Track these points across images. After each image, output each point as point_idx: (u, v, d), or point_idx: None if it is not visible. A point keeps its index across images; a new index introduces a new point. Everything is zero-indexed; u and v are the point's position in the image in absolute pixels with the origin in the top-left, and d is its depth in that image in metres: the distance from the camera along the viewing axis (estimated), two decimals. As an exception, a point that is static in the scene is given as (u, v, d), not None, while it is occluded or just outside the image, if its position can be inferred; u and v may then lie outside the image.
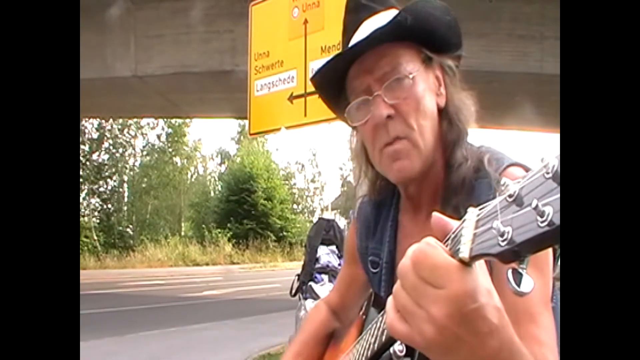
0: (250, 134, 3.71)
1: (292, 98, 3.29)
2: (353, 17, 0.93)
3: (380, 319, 0.75)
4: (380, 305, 0.84)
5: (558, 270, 0.47)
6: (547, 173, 0.45)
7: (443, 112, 0.88)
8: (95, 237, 23.29)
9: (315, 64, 3.22)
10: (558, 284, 0.73)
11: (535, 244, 0.45)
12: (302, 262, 4.49)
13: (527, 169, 0.80)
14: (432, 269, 0.52)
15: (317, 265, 4.20)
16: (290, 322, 4.19)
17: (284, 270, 20.74)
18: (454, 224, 0.55)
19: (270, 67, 3.45)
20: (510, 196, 0.47)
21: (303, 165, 37.01)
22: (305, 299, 4.09)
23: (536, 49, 6.97)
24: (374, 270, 0.98)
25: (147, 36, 8.25)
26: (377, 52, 0.85)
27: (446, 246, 0.54)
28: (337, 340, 1.10)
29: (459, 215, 0.71)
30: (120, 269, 20.51)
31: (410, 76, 0.85)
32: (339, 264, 4.22)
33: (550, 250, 0.76)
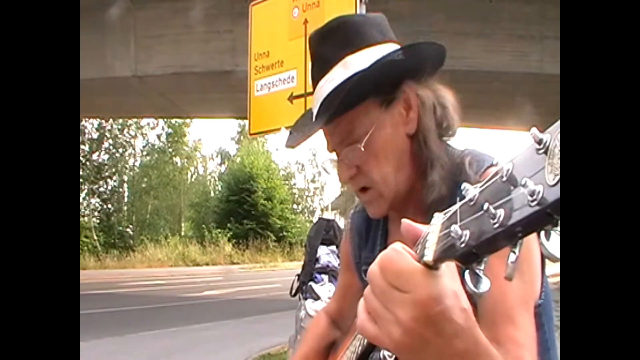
0: (250, 134, 3.71)
1: (292, 98, 3.29)
2: (313, 71, 0.96)
3: None
4: None
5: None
6: (502, 177, 0.46)
7: (414, 137, 0.90)
8: (95, 237, 23.30)
9: (315, 64, 3.22)
10: (557, 279, 0.74)
11: (490, 245, 0.47)
12: (302, 262, 4.49)
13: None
14: (397, 274, 0.54)
15: (317, 265, 4.20)
16: (290, 322, 4.19)
17: (284, 270, 20.74)
18: (423, 229, 0.57)
19: (270, 67, 3.45)
20: (470, 200, 0.49)
21: (303, 165, 37.04)
22: (305, 299, 4.09)
23: (536, 49, 6.98)
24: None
25: (147, 36, 8.26)
26: (332, 122, 0.90)
27: (416, 251, 0.55)
28: (336, 349, 1.11)
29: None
30: (120, 269, 20.52)
31: (367, 136, 0.88)
32: (339, 264, 4.22)
33: (534, 249, 0.77)
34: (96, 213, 25.65)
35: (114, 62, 8.35)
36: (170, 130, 28.68)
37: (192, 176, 32.41)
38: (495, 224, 0.45)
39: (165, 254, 23.33)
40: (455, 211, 0.51)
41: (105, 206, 26.23)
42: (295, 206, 33.96)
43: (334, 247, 4.29)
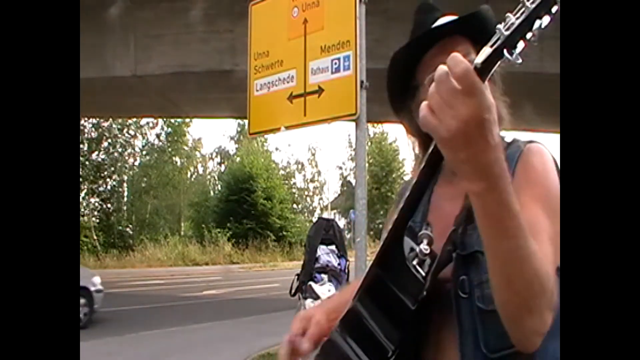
0: (250, 134, 3.71)
1: (291, 98, 3.29)
2: (427, 15, 1.07)
3: None
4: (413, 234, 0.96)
5: None
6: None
7: None
8: (95, 237, 23.27)
9: (315, 64, 3.22)
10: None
11: (526, 24, 0.66)
12: (301, 262, 4.49)
13: (544, 146, 0.96)
14: (470, 82, 0.66)
15: (317, 265, 4.20)
16: (290, 322, 4.19)
17: (283, 269, 20.73)
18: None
19: (269, 67, 3.45)
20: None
21: (303, 165, 37.04)
22: (305, 298, 4.09)
23: (536, 49, 6.96)
24: (411, 237, 1.08)
25: (146, 36, 8.26)
26: (453, 40, 1.00)
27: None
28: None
29: None
30: (119, 268, 20.49)
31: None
32: (339, 264, 4.21)
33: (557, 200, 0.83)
34: (96, 213, 25.62)
35: (114, 61, 8.34)
36: (169, 130, 28.65)
37: (191, 176, 32.40)
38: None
39: (165, 253, 23.31)
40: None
41: (104, 206, 26.20)
42: (294, 206, 33.95)
43: (333, 247, 4.29)
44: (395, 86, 1.09)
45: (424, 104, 0.71)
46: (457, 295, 0.90)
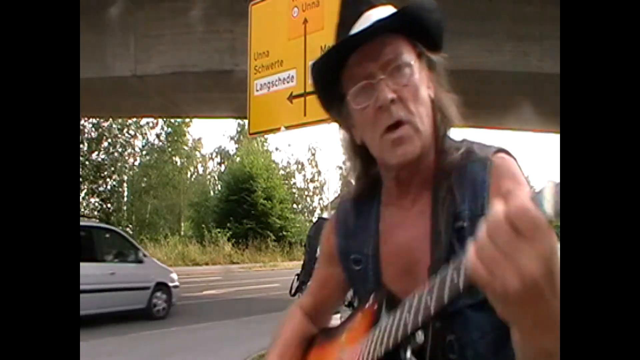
0: (250, 134, 3.71)
1: (291, 98, 3.28)
2: (352, 9, 0.96)
3: (402, 316, 0.78)
4: (392, 302, 0.87)
5: None
6: None
7: (434, 103, 0.92)
8: (95, 237, 23.25)
9: (315, 64, 3.21)
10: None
11: None
12: (301, 262, 4.48)
13: (511, 155, 0.89)
14: (534, 225, 0.53)
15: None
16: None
17: (283, 269, 20.73)
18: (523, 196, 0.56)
19: (269, 67, 3.44)
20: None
21: (303, 165, 37.03)
22: (305, 298, 4.08)
23: (536, 49, 6.97)
24: (358, 268, 0.99)
25: (147, 36, 8.25)
26: (380, 41, 0.88)
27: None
28: (317, 346, 1.09)
29: (452, 195, 0.87)
30: (119, 268, 20.48)
31: (411, 64, 0.89)
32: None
33: None
34: (96, 213, 25.62)
35: (114, 62, 8.34)
36: (170, 130, 28.66)
37: (191, 176, 32.41)
38: None
39: (165, 253, 23.29)
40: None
41: (104, 206, 26.20)
42: (294, 206, 33.95)
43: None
44: (322, 97, 0.99)
45: (472, 255, 0.57)
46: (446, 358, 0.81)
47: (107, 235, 9.39)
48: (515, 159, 0.89)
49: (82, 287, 7.33)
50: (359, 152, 0.97)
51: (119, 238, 9.52)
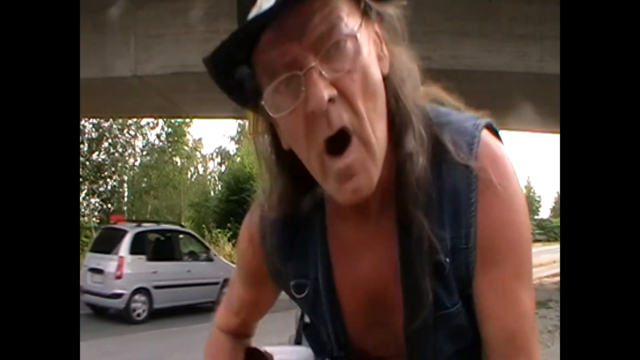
0: (250, 134, 3.69)
1: (292, 98, 3.27)
2: None
3: None
4: None
5: None
6: None
7: (387, 83, 0.66)
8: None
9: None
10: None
11: None
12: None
13: (495, 133, 0.71)
14: None
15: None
16: (290, 322, 4.19)
17: (283, 270, 20.64)
18: None
19: (270, 67, 3.43)
20: None
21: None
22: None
23: (536, 49, 6.97)
24: (300, 295, 0.79)
25: (147, 36, 8.25)
26: (304, 9, 0.59)
27: None
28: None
29: (427, 216, 0.65)
30: (120, 268, 20.47)
31: (355, 35, 0.62)
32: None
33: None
34: (96, 213, 25.61)
35: (114, 61, 8.34)
36: (170, 130, 28.64)
37: (192, 176, 32.38)
38: None
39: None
40: None
41: (105, 206, 26.16)
42: (295, 206, 33.82)
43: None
44: (230, 96, 0.73)
45: None
46: None
47: (182, 237, 10.45)
48: (498, 136, 0.71)
49: (165, 282, 8.80)
50: (287, 162, 0.70)
51: (193, 239, 10.75)
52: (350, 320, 0.77)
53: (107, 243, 8.88)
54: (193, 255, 10.18)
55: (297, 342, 1.09)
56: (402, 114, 0.66)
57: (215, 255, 10.68)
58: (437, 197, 0.67)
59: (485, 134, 0.69)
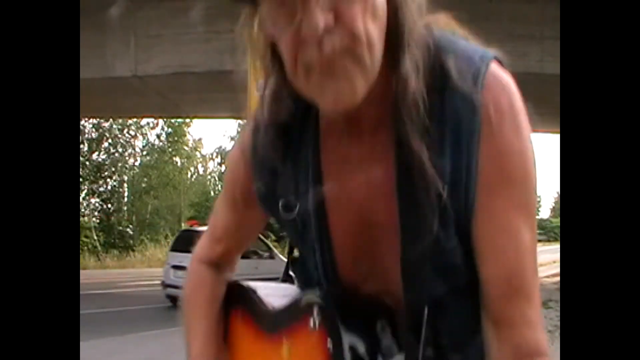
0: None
1: (292, 98, 3.28)
2: None
3: None
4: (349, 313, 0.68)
5: None
6: None
7: (389, 2, 0.61)
8: (95, 237, 23.27)
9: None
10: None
11: None
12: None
13: (502, 63, 0.69)
14: None
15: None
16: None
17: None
18: None
19: (270, 67, 3.43)
20: None
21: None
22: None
23: (536, 49, 6.98)
24: (289, 215, 0.74)
25: (147, 36, 8.26)
26: None
27: None
28: (260, 324, 0.87)
29: (430, 142, 0.61)
30: (120, 268, 20.47)
31: None
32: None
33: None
34: (96, 213, 25.64)
35: (114, 61, 8.35)
36: (170, 130, 28.66)
37: (192, 176, 32.38)
38: None
39: (166, 253, 23.30)
40: None
41: (105, 206, 26.21)
42: (295, 206, 33.83)
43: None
44: None
45: None
46: None
47: None
48: (506, 82, 0.67)
49: (237, 277, 9.03)
50: (276, 53, 0.64)
51: (257, 239, 11.43)
52: (339, 247, 0.72)
53: (186, 243, 9.01)
54: (257, 254, 10.96)
55: (284, 281, 1.03)
56: (402, 30, 0.62)
57: (276, 254, 11.51)
58: (437, 124, 0.63)
59: (494, 65, 0.67)
